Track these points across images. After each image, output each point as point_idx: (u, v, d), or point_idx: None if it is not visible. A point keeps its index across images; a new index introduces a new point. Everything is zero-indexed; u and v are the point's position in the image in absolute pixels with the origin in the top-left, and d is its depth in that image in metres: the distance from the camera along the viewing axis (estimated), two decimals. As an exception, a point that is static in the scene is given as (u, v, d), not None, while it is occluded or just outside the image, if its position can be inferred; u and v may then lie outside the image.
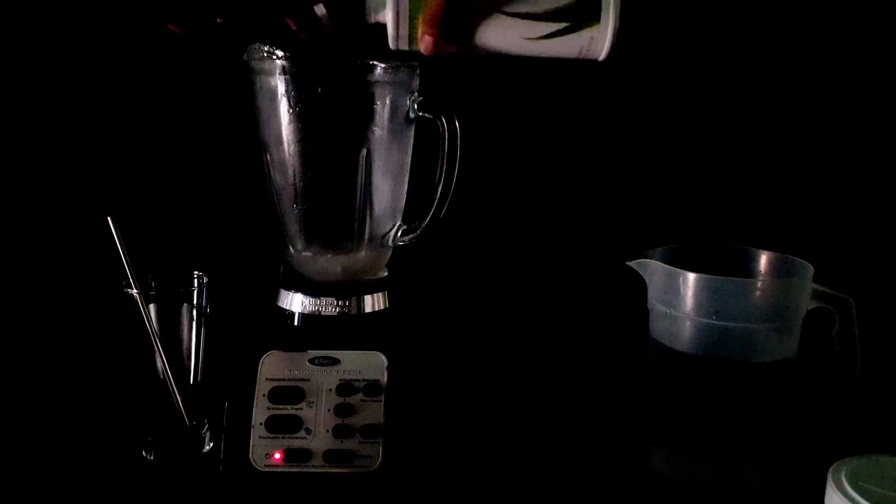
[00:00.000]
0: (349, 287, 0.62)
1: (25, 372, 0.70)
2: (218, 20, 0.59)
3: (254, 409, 0.56)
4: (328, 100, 0.58)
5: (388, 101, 0.59)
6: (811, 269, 0.57)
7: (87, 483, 0.57)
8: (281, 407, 0.57)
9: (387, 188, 0.62)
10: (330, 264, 0.63)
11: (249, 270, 0.68)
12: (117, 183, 0.76)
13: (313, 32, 0.59)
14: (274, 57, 0.57)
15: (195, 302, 0.59)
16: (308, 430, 0.56)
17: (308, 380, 0.57)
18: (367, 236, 0.62)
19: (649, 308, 0.60)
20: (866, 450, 0.48)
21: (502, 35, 0.56)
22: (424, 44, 0.55)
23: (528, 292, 0.80)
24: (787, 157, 0.80)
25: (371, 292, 0.62)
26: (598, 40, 0.55)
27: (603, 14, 0.55)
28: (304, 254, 0.63)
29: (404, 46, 0.56)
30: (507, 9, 0.55)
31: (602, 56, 0.56)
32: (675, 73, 0.79)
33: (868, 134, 0.79)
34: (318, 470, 0.56)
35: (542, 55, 0.57)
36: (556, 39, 0.55)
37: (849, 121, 0.79)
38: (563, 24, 0.55)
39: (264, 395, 0.57)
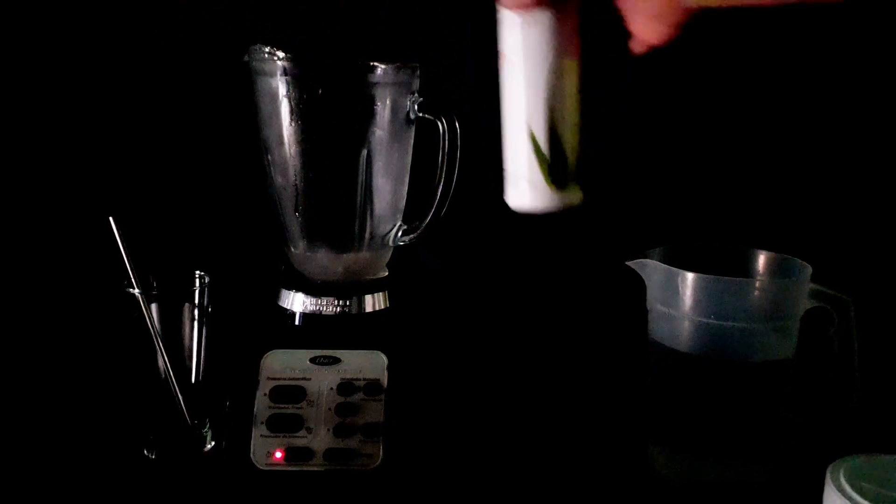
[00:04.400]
0: (350, 287, 0.62)
1: (27, 372, 0.70)
2: None
3: (255, 408, 0.57)
4: (329, 101, 0.58)
5: (388, 102, 0.59)
6: (810, 269, 0.57)
7: (89, 482, 0.57)
8: (282, 406, 0.57)
9: (387, 188, 0.62)
10: (331, 264, 0.63)
11: (250, 270, 0.68)
12: (118, 183, 0.76)
13: None
14: (275, 58, 0.57)
15: (197, 301, 0.59)
16: (309, 429, 0.56)
17: (309, 379, 0.58)
18: (367, 236, 0.62)
19: (649, 308, 0.60)
20: (865, 449, 0.48)
21: None
22: None
23: (528, 292, 0.81)
24: (786, 157, 0.80)
25: (371, 292, 0.62)
26: None
27: None
28: (304, 253, 0.63)
29: None
30: None
31: None
32: (675, 72, 0.79)
33: (867, 134, 0.79)
34: (319, 469, 0.56)
35: None
36: None
37: (848, 121, 0.79)
38: None
39: (265, 394, 0.57)
